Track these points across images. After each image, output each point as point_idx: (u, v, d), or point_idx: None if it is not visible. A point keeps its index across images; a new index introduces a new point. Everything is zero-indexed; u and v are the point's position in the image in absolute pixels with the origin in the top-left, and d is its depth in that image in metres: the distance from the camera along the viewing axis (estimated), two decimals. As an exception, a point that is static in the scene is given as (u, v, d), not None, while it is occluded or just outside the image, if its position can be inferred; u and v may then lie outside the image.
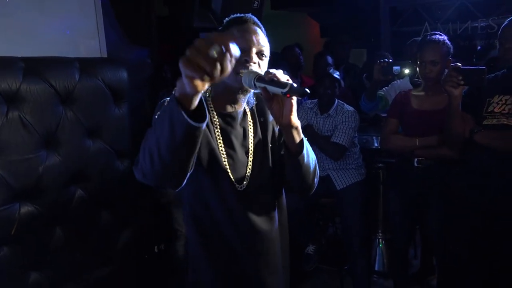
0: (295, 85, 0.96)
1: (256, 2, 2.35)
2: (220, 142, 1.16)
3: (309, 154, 1.17)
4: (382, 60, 2.44)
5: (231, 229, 1.19)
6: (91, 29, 1.83)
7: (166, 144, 0.89)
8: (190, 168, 0.98)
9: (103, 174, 1.78)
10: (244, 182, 1.18)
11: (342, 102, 2.69)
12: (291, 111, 1.04)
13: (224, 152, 1.16)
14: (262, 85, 1.00)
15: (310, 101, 2.76)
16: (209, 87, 1.20)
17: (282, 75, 0.99)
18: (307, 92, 0.94)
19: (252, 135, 1.23)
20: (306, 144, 1.14)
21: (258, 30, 1.16)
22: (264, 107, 1.26)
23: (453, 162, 2.08)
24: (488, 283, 2.06)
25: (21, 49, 1.58)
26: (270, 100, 1.04)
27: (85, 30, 1.82)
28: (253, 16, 1.19)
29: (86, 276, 1.77)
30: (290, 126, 1.07)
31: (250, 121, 1.24)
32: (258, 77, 1.02)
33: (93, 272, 1.80)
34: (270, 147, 1.25)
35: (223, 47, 0.78)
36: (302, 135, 1.12)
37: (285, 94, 0.96)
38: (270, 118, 1.27)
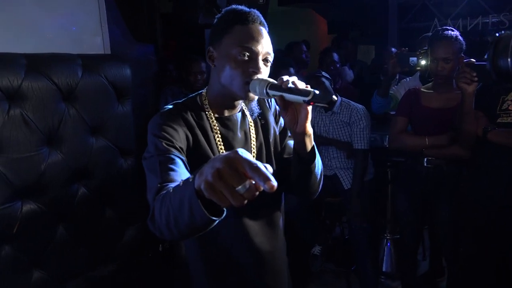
0: (317, 92, 0.90)
1: (263, -2, 2.32)
2: (221, 149, 1.12)
3: (318, 161, 1.14)
4: (398, 51, 2.38)
5: (231, 237, 1.15)
6: (94, 25, 1.81)
7: (185, 225, 0.83)
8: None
9: (106, 172, 1.76)
10: None
11: (348, 100, 2.64)
12: (306, 118, 1.00)
13: None
14: (278, 93, 0.96)
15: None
16: (204, 92, 1.16)
17: (300, 82, 0.96)
18: (334, 99, 0.88)
19: (254, 138, 1.18)
20: (316, 151, 1.11)
21: (264, 31, 1.09)
22: (264, 108, 1.22)
23: (464, 162, 2.03)
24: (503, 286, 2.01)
25: (23, 45, 1.56)
26: (286, 108, 1.00)
27: (88, 26, 1.80)
28: (258, 13, 1.12)
29: (89, 274, 1.76)
30: (304, 134, 1.03)
31: (251, 124, 1.19)
32: (271, 85, 0.98)
33: (96, 270, 1.78)
34: (273, 150, 1.21)
35: (254, 185, 0.65)
36: (313, 142, 1.08)
37: (308, 102, 0.91)
38: (271, 120, 1.23)
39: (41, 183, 1.55)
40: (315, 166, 1.10)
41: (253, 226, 1.16)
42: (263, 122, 1.21)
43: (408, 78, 2.67)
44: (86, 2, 1.80)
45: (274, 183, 0.62)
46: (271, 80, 1.00)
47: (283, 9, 5.33)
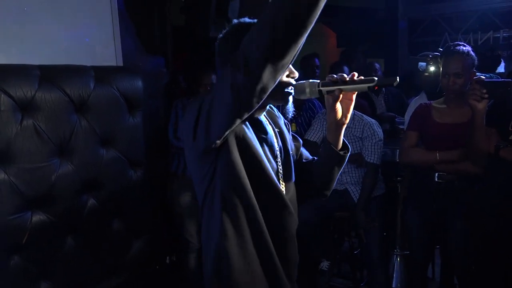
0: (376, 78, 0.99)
1: (274, 12, 2.32)
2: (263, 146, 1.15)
3: None
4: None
5: (268, 227, 1.14)
6: (107, 37, 1.83)
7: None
8: (298, 50, 0.91)
9: (116, 183, 1.76)
10: (282, 186, 1.18)
11: (361, 113, 2.62)
12: (349, 108, 1.09)
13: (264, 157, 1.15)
14: (333, 88, 1.03)
15: (324, 110, 2.71)
16: None
17: (355, 74, 1.03)
18: (396, 79, 0.96)
19: (275, 144, 1.21)
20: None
21: None
22: (274, 117, 1.24)
23: (476, 178, 2.00)
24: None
25: (37, 57, 1.58)
26: (335, 101, 1.07)
27: (101, 38, 1.83)
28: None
29: (97, 286, 1.75)
30: (344, 124, 1.11)
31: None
32: (323, 83, 1.06)
33: (104, 281, 1.77)
34: (292, 154, 1.24)
35: None
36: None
37: (372, 88, 0.98)
38: (284, 128, 1.26)
39: (51, 193, 1.55)
40: (346, 156, 1.17)
41: (287, 219, 1.19)
42: (278, 130, 1.23)
43: (418, 96, 2.64)
44: (99, 14, 1.82)
45: None
46: (316, 80, 1.07)
47: (292, 22, 5.36)
